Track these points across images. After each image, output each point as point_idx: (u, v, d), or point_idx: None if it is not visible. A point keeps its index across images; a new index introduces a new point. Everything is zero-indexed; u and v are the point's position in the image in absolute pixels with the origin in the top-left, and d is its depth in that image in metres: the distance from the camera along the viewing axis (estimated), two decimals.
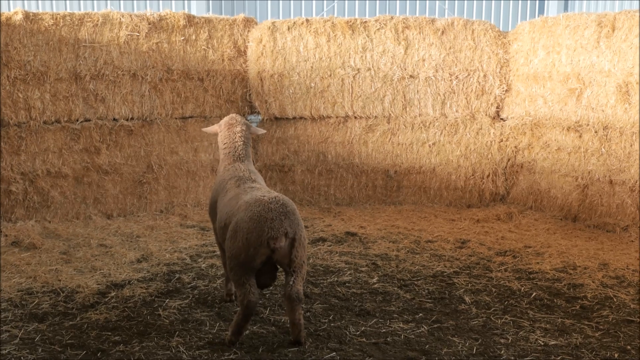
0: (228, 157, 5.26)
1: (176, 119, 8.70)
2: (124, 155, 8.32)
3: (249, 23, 9.10)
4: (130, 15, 8.17)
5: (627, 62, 7.32)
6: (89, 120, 8.08)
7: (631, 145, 7.32)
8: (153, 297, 5.43)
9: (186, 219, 8.25)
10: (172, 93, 8.62)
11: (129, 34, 8.15)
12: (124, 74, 8.19)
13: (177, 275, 6.00)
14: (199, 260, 6.53)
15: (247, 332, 4.70)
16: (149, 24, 8.27)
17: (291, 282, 4.36)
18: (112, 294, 5.49)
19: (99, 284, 5.73)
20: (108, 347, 4.45)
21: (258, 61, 9.00)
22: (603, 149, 7.66)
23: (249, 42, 9.05)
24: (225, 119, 5.45)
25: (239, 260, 4.29)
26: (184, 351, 4.39)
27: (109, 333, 4.69)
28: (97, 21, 7.93)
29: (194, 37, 8.64)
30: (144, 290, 5.58)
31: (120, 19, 8.07)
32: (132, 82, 8.29)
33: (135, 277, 5.93)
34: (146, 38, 8.27)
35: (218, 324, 4.87)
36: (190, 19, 8.57)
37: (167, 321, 4.92)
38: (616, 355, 4.37)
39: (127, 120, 8.33)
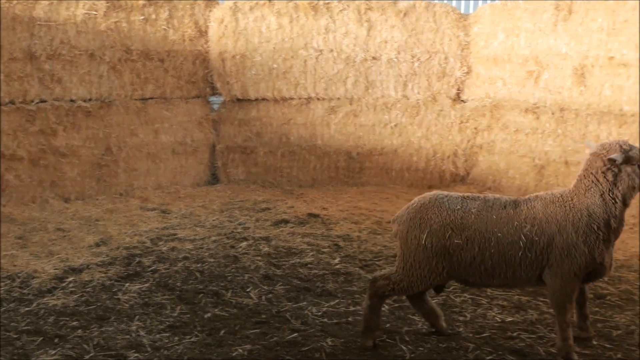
0: None
1: (136, 100, 8.55)
2: (81, 137, 8.13)
3: (210, 3, 8.98)
4: None
5: (582, 46, 7.46)
6: (45, 102, 7.86)
7: (586, 127, 7.49)
8: (112, 281, 5.36)
9: (147, 202, 8.15)
10: (132, 74, 8.45)
11: (86, 13, 7.94)
12: (81, 53, 7.99)
13: (137, 259, 5.93)
14: (160, 243, 6.46)
15: (209, 314, 4.70)
16: (107, 2, 8.07)
17: None
18: (70, 278, 5.40)
19: (56, 269, 5.62)
20: (66, 333, 4.38)
21: (220, 42, 8.89)
22: (559, 130, 7.82)
23: (210, 22, 8.93)
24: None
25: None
26: (145, 335, 4.36)
27: (67, 318, 4.62)
28: None
29: (154, 16, 8.47)
30: (103, 275, 5.50)
31: None
32: (89, 62, 8.09)
33: (94, 261, 5.84)
34: (104, 17, 8.07)
35: (179, 307, 4.84)
36: None
37: (127, 305, 4.87)
38: None
39: (85, 101, 8.13)
